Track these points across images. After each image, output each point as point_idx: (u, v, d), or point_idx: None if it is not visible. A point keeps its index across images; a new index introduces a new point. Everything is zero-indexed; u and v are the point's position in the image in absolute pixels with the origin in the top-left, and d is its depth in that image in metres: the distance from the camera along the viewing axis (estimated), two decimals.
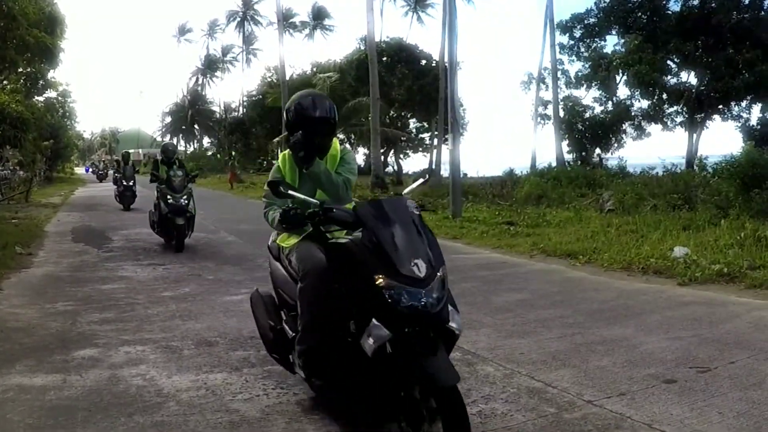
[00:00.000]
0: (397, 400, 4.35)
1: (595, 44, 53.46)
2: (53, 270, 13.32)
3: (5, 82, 26.60)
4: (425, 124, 71.31)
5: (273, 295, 6.22)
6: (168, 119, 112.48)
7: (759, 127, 47.18)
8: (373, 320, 4.27)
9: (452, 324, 4.31)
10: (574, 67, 55.21)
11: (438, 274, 4.31)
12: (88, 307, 9.66)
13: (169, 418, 5.54)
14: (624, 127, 52.13)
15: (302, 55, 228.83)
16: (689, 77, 49.66)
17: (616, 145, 52.57)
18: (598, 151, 52.63)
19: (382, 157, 54.14)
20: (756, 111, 48.23)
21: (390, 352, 4.29)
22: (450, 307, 4.44)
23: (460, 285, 11.30)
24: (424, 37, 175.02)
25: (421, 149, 74.87)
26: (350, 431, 5.16)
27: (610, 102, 52.52)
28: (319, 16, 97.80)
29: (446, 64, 31.64)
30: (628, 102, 51.68)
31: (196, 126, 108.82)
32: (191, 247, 16.71)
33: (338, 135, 52.57)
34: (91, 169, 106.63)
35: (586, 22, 52.43)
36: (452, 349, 4.62)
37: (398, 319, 4.22)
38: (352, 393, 4.82)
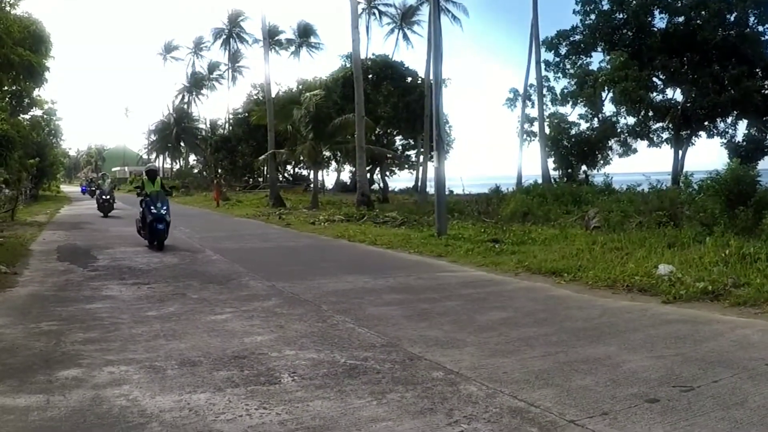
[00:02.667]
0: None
1: (580, 61, 53.67)
2: (38, 289, 13.24)
3: None
4: (411, 141, 71.47)
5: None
6: (154, 137, 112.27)
7: (744, 143, 47.43)
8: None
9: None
10: (560, 84, 55.45)
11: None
12: (73, 327, 9.60)
13: None
14: (610, 144, 52.28)
15: (289, 73, 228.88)
16: (675, 94, 49.97)
17: (602, 161, 52.69)
18: (584, 167, 52.73)
19: (369, 175, 54.12)
20: (741, 127, 48.51)
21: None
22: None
23: (444, 303, 11.36)
24: (410, 54, 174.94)
25: (407, 166, 74.98)
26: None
27: (596, 119, 52.68)
28: (305, 34, 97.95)
29: (431, 82, 31.74)
30: (614, 119, 51.89)
31: (182, 144, 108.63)
32: (175, 266, 16.70)
33: (324, 152, 52.39)
34: (88, 189, 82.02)
35: (571, 39, 52.70)
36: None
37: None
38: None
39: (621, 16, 50.05)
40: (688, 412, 5.88)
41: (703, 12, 46.65)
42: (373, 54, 73.10)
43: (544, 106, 52.63)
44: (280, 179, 76.08)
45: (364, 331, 9.16)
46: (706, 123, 48.53)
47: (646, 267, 13.56)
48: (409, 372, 7.27)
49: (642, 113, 49.28)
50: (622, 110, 50.21)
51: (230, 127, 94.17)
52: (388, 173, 71.53)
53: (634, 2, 48.74)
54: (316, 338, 8.81)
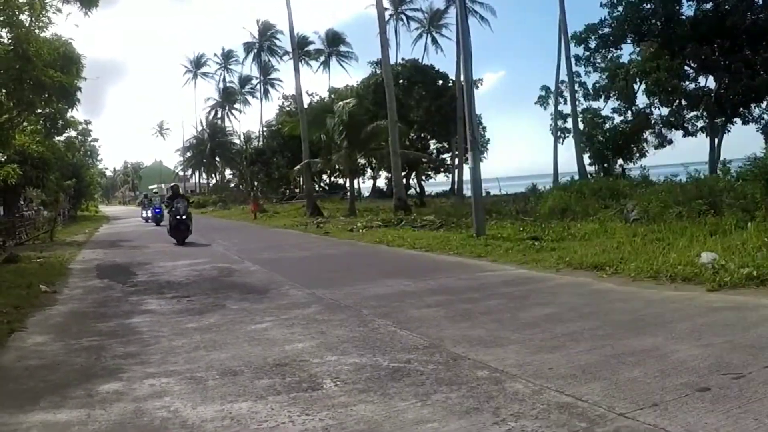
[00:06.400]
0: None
1: (611, 54, 53.34)
2: (78, 306, 13.27)
3: (25, 123, 26.73)
4: (445, 144, 71.47)
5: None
6: (189, 153, 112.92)
7: None
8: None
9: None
10: (592, 78, 55.15)
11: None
12: (113, 342, 9.58)
13: None
14: (645, 136, 51.89)
15: (321, 83, 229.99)
16: (708, 81, 49.45)
17: (638, 154, 52.33)
18: (620, 161, 52.39)
19: (405, 180, 54.10)
20: None
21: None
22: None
23: (486, 302, 11.24)
24: (440, 57, 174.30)
25: (442, 170, 75.04)
26: None
27: (629, 111, 52.29)
28: (334, 42, 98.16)
29: (463, 84, 31.63)
30: (648, 110, 51.47)
31: (217, 158, 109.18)
32: (215, 278, 16.77)
33: (359, 159, 52.44)
34: (165, 210, 39.60)
35: (600, 32, 52.34)
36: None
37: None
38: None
39: (649, 6, 49.58)
40: (741, 399, 5.72)
41: None
42: (402, 59, 73.22)
43: (577, 102, 52.41)
44: (317, 189, 76.26)
45: (406, 334, 9.07)
46: (740, 109, 47.99)
47: (688, 256, 13.38)
48: (453, 372, 7.15)
49: (675, 103, 48.87)
50: (655, 101, 49.82)
51: (264, 140, 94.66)
52: (423, 177, 71.62)
53: None
54: (358, 343, 8.72)
